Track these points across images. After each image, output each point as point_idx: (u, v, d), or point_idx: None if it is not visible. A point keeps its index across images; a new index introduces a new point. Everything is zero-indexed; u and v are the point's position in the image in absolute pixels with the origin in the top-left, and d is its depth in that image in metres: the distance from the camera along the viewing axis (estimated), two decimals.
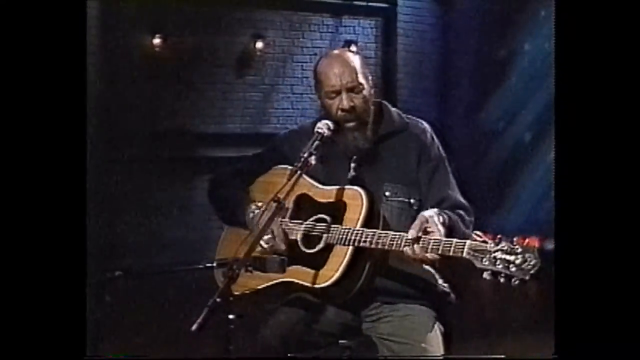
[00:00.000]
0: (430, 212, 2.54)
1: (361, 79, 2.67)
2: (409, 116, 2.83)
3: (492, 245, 2.34)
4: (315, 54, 8.00)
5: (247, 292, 2.64)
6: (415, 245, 2.45)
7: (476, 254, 2.34)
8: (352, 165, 2.73)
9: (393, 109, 2.81)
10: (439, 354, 2.66)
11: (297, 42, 7.91)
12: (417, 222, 2.49)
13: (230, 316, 2.37)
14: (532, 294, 5.86)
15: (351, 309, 2.71)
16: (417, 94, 8.52)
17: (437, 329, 2.69)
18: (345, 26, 8.17)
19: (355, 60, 2.71)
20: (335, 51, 2.82)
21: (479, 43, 8.27)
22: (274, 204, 2.51)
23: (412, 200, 2.71)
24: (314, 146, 2.60)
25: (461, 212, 2.67)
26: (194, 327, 2.18)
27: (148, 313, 5.45)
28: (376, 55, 8.32)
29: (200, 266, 2.65)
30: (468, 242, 2.37)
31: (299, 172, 2.56)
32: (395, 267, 2.66)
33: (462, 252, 2.37)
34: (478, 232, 2.41)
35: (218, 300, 2.25)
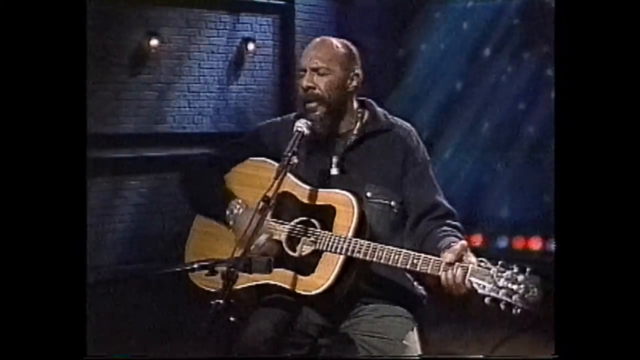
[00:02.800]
0: (462, 243, 2.47)
1: (331, 65, 2.70)
2: (395, 117, 2.84)
3: (495, 271, 2.33)
4: (212, 52, 7.88)
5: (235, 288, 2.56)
6: (392, 260, 2.46)
7: (479, 279, 2.34)
8: (334, 161, 2.74)
9: (379, 109, 2.82)
10: (417, 352, 2.69)
11: (193, 39, 7.75)
12: (452, 255, 2.43)
13: (232, 318, 2.36)
14: None
15: (333, 313, 2.74)
16: None
17: (415, 328, 2.74)
18: (242, 23, 8.06)
19: (337, 48, 2.75)
20: (327, 37, 2.85)
21: (376, 42, 8.34)
22: (262, 204, 2.50)
23: (392, 203, 2.70)
24: (295, 145, 2.59)
25: (452, 221, 2.69)
26: (201, 331, 2.22)
27: (139, 315, 5.33)
28: (274, 52, 8.26)
29: (188, 268, 2.57)
30: (471, 266, 2.37)
31: (284, 171, 2.53)
32: (375, 272, 2.67)
33: (465, 276, 2.36)
34: (482, 259, 2.37)
35: (221, 302, 2.26)
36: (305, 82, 2.72)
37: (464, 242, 2.49)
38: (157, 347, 4.71)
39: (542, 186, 7.50)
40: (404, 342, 2.68)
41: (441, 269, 2.41)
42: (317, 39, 2.81)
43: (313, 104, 2.72)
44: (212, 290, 2.59)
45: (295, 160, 2.58)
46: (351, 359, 2.78)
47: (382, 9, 8.24)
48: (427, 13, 8.01)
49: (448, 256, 2.44)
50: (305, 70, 2.73)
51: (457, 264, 2.40)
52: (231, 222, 2.72)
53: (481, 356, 4.48)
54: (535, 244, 7.44)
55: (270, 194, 2.51)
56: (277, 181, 2.53)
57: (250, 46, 7.95)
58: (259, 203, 2.51)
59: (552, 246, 7.33)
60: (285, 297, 2.65)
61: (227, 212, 2.74)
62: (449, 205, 2.74)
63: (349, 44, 2.80)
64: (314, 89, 2.71)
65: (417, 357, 2.67)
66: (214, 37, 7.92)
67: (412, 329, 2.72)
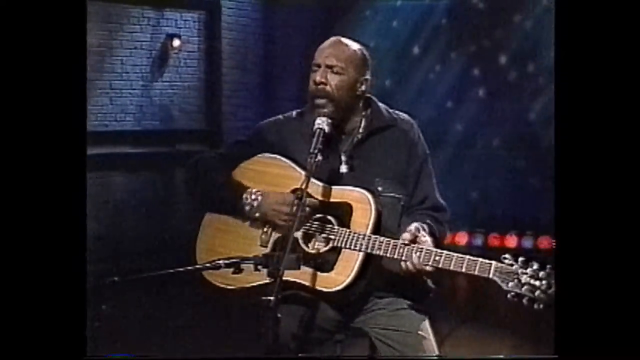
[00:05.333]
0: (416, 224, 2.63)
1: (345, 64, 2.73)
2: (396, 111, 2.90)
3: (518, 267, 2.42)
4: (135, 48, 7.68)
5: (246, 287, 2.65)
6: (415, 257, 2.54)
7: (502, 276, 2.43)
8: (343, 158, 2.78)
9: (381, 105, 2.87)
10: (433, 343, 2.76)
11: (115, 35, 7.54)
12: (407, 235, 2.58)
13: (279, 315, 2.36)
14: None
15: (348, 308, 2.76)
16: (241, 89, 8.42)
17: (427, 319, 2.80)
18: (167, 19, 7.89)
19: (352, 50, 2.78)
20: (342, 38, 2.85)
21: (305, 39, 8.30)
22: (297, 201, 2.54)
23: (400, 196, 2.76)
24: (319, 143, 2.63)
25: (437, 214, 2.78)
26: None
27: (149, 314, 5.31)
28: (199, 49, 8.12)
29: (214, 266, 2.55)
30: (494, 263, 2.45)
31: (312, 170, 2.58)
32: (386, 266, 2.71)
33: (489, 272, 2.45)
34: (507, 256, 2.45)
35: (272, 299, 2.31)
36: (318, 77, 2.75)
37: (416, 224, 2.63)
38: (175, 346, 4.71)
39: (468, 182, 7.60)
40: (419, 333, 2.75)
41: (431, 259, 2.54)
42: (334, 38, 2.83)
43: (322, 101, 2.75)
44: (227, 287, 2.69)
45: (320, 157, 2.61)
46: (368, 357, 2.83)
47: (312, 6, 8.23)
48: (357, 11, 8.06)
49: (405, 236, 2.58)
50: (319, 66, 2.76)
51: (415, 246, 2.55)
52: (257, 214, 2.75)
53: (483, 356, 4.51)
54: (462, 239, 7.56)
55: (302, 195, 2.56)
56: (307, 180, 2.57)
57: (175, 42, 7.79)
58: (297, 203, 2.55)
59: (479, 241, 7.45)
60: (303, 293, 2.67)
61: (247, 207, 2.76)
62: (439, 199, 2.83)
63: (363, 49, 2.83)
64: (325, 85, 2.75)
65: (425, 358, 2.74)
66: (137, 32, 7.73)
67: (425, 320, 2.79)
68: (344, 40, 2.82)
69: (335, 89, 2.74)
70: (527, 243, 7.44)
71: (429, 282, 2.82)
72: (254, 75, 8.55)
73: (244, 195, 2.76)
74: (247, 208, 2.75)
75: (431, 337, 2.77)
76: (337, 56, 2.74)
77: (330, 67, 2.74)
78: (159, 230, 7.29)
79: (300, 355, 2.65)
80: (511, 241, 7.59)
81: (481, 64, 7.78)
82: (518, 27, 7.64)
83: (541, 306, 2.38)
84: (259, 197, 2.74)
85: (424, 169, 2.83)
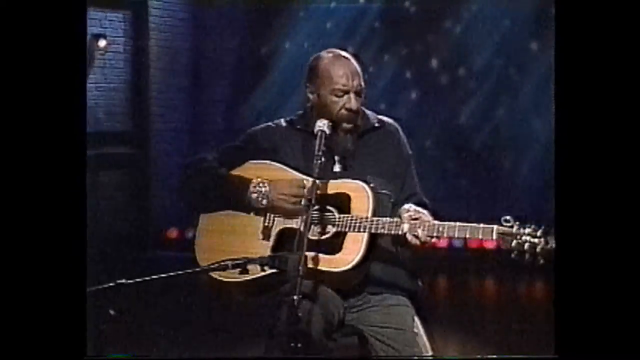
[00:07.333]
0: (407, 205, 2.75)
1: (364, 83, 2.86)
2: (379, 115, 3.01)
3: (517, 228, 2.60)
4: None
5: (249, 279, 2.69)
6: (420, 231, 2.65)
7: (505, 237, 2.60)
8: (337, 158, 2.89)
9: (367, 110, 2.97)
10: (424, 339, 2.84)
11: None
12: (405, 216, 2.69)
13: (300, 314, 2.44)
14: (532, 293, 6.21)
15: (347, 298, 2.84)
16: (170, 90, 8.28)
17: (417, 316, 2.89)
18: (91, 19, 7.66)
19: (357, 65, 2.89)
20: (337, 51, 2.94)
21: (236, 41, 8.22)
22: (306, 205, 2.64)
23: (390, 193, 2.86)
24: (322, 144, 2.73)
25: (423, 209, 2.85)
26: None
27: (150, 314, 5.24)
28: (125, 50, 7.92)
29: (221, 266, 2.61)
30: (496, 227, 2.62)
31: (317, 171, 2.67)
32: (379, 261, 2.82)
33: (492, 235, 2.60)
34: (507, 217, 2.62)
35: (295, 297, 2.40)
36: (354, 105, 2.82)
37: (410, 204, 2.76)
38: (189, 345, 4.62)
39: None
40: (414, 330, 2.83)
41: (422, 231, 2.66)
42: (335, 57, 2.90)
43: (350, 125, 2.85)
44: (232, 280, 2.75)
45: (323, 159, 2.71)
46: (366, 358, 2.88)
47: (243, 7, 8.17)
48: (291, 12, 8.07)
49: (405, 215, 2.70)
50: (347, 92, 2.82)
51: (417, 222, 2.67)
52: (264, 202, 2.81)
53: (483, 356, 4.60)
54: None
55: (310, 197, 2.66)
56: (314, 183, 2.67)
57: (101, 42, 7.57)
58: (306, 203, 2.65)
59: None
60: (310, 288, 2.71)
61: (254, 195, 2.81)
62: (423, 197, 2.94)
63: (352, 55, 2.94)
64: (357, 111, 2.84)
65: (418, 358, 2.81)
66: None
67: (415, 316, 2.87)
68: (342, 54, 2.91)
69: (360, 112, 2.87)
70: (457, 242, 7.49)
71: (419, 281, 2.93)
72: (182, 76, 8.42)
73: (251, 185, 2.81)
74: (254, 196, 2.80)
75: (422, 332, 2.84)
76: (359, 79, 2.83)
77: (358, 92, 2.83)
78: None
79: (298, 355, 2.64)
80: (441, 240, 7.58)
81: (413, 67, 7.88)
82: (449, 32, 7.75)
83: (541, 261, 2.54)
84: (267, 185, 2.81)
85: (409, 168, 2.95)
